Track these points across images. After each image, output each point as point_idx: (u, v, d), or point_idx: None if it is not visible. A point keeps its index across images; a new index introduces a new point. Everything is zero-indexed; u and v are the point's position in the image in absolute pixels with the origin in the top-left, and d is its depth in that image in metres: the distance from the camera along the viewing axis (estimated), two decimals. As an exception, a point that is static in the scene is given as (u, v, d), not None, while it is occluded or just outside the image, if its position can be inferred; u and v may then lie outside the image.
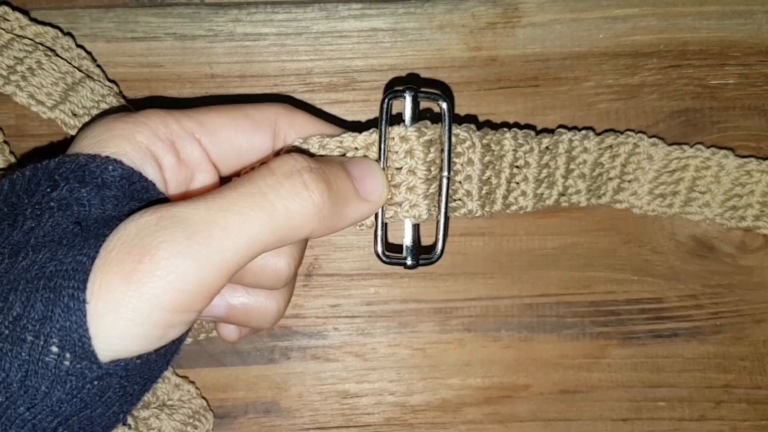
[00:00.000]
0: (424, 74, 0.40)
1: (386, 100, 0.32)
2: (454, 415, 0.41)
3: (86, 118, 0.36)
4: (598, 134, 0.38)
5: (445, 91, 0.40)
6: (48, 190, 0.27)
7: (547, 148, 0.36)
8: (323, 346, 0.41)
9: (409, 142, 0.32)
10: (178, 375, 0.39)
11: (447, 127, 0.32)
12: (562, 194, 0.38)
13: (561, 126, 0.39)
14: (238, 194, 0.27)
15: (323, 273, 0.41)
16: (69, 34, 0.38)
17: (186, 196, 0.30)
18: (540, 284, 0.40)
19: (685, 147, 0.38)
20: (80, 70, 0.37)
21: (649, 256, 0.40)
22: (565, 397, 0.41)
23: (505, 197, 0.36)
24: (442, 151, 0.33)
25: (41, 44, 0.37)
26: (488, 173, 0.35)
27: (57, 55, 0.37)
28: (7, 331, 0.24)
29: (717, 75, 0.40)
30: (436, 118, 0.33)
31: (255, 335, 0.40)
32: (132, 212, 0.27)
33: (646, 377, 0.40)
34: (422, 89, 0.33)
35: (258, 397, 0.40)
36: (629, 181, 0.38)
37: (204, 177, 0.32)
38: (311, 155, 0.31)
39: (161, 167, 0.30)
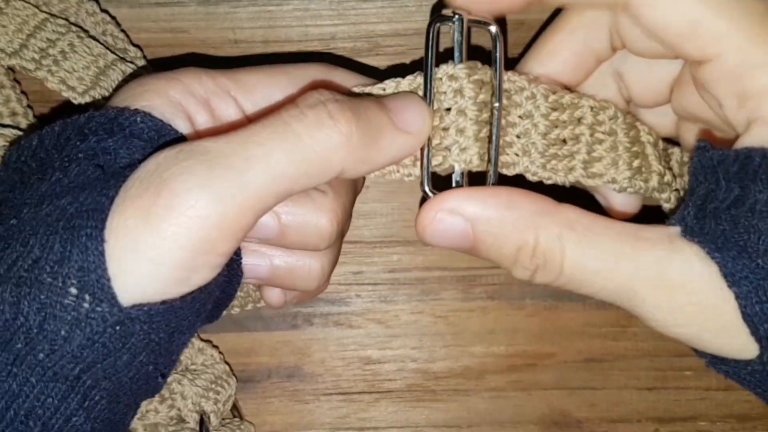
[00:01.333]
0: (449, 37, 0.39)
1: (432, 26, 0.30)
2: (476, 383, 0.41)
3: None
4: None
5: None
6: (77, 143, 0.27)
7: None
8: (346, 312, 0.41)
9: (459, 81, 0.30)
10: (201, 339, 0.39)
11: (498, 53, 0.30)
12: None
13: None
14: (261, 126, 0.26)
15: (346, 240, 0.40)
16: (93, -1, 0.38)
17: (211, 133, 0.30)
18: None
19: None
20: (112, 51, 0.36)
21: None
22: (591, 365, 0.40)
23: (586, 164, 0.31)
24: (493, 94, 0.30)
25: (74, 24, 0.36)
26: (560, 134, 0.31)
27: (90, 35, 0.36)
28: (25, 275, 0.24)
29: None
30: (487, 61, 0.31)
31: (299, 303, 0.40)
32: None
33: (672, 346, 0.40)
34: (471, 17, 0.30)
35: (281, 362, 0.41)
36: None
37: None
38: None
39: (194, 123, 0.29)
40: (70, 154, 0.27)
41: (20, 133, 0.35)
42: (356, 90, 0.31)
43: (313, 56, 0.39)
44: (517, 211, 0.28)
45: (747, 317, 0.26)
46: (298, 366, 0.41)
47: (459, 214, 0.28)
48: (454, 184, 0.31)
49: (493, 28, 0.30)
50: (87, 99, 0.35)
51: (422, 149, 0.30)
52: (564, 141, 0.31)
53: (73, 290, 0.24)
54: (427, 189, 0.30)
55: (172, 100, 0.29)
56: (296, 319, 0.41)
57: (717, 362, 0.28)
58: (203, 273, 0.26)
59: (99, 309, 0.24)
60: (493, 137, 0.30)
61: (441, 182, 0.30)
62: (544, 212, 0.28)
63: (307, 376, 0.41)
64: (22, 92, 0.38)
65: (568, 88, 0.32)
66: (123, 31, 0.38)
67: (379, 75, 0.38)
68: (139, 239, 0.24)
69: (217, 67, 0.31)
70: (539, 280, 0.29)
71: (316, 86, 0.30)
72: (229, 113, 0.30)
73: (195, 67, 0.30)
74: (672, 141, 0.34)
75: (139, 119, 0.28)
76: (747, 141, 0.27)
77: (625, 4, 0.28)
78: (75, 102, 0.35)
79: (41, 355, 0.24)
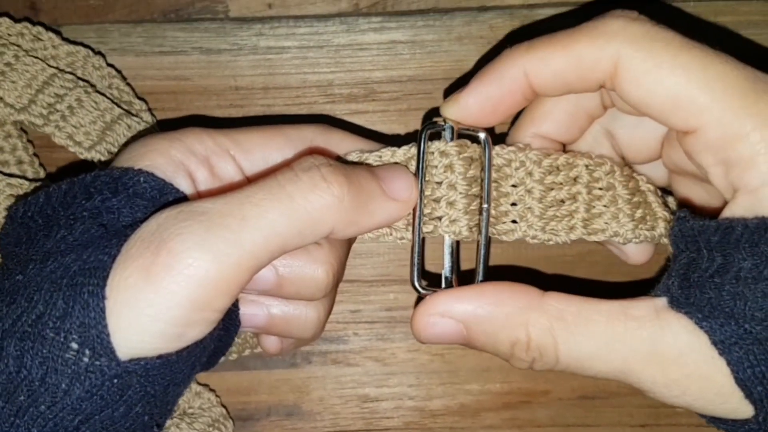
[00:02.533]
0: (442, 86, 0.41)
1: (425, 132, 0.31)
2: (473, 420, 0.41)
3: None
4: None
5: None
6: (83, 201, 0.28)
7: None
8: (344, 350, 0.41)
9: (449, 157, 0.31)
10: (198, 383, 0.40)
11: (487, 158, 0.31)
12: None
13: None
14: (257, 187, 0.27)
15: (343, 279, 0.41)
16: (99, 52, 0.40)
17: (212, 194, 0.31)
18: (559, 291, 0.41)
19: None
20: (118, 105, 0.38)
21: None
22: (584, 402, 0.41)
23: (586, 222, 0.32)
24: (482, 170, 0.32)
25: (82, 78, 0.38)
26: (556, 195, 0.32)
27: (97, 90, 0.37)
28: (29, 329, 0.25)
29: None
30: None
31: (297, 348, 0.40)
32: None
33: (664, 384, 0.41)
34: (461, 126, 0.32)
35: (280, 400, 0.41)
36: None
37: None
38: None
39: (195, 181, 0.31)
40: (75, 212, 0.28)
41: (26, 182, 0.36)
42: (353, 156, 0.32)
43: (312, 117, 0.41)
44: (505, 308, 0.29)
45: (740, 382, 0.27)
46: (296, 404, 0.41)
47: (450, 317, 0.30)
48: (443, 281, 0.32)
49: (482, 135, 0.32)
50: (93, 154, 0.36)
51: (412, 245, 0.32)
52: (562, 201, 0.32)
53: (74, 345, 0.25)
54: (417, 285, 0.31)
55: (173, 159, 0.30)
56: (295, 357, 0.41)
57: (716, 422, 0.29)
58: (199, 328, 0.27)
59: (98, 363, 0.25)
60: (482, 237, 0.31)
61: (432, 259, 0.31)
62: (532, 306, 0.29)
63: (305, 414, 0.41)
64: (29, 141, 0.39)
65: (564, 148, 0.33)
66: (128, 83, 0.39)
67: (373, 136, 0.39)
68: (138, 296, 0.25)
69: (220, 125, 0.32)
70: (538, 368, 0.30)
71: (312, 151, 0.32)
72: (228, 171, 0.31)
73: (196, 127, 0.32)
74: (665, 191, 0.35)
75: (142, 179, 0.29)
76: (732, 209, 0.28)
77: (611, 84, 0.29)
78: (81, 156, 0.36)
79: (43, 407, 0.25)
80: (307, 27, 0.40)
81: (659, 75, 0.28)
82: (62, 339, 0.25)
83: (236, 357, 0.39)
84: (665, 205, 0.33)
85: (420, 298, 0.31)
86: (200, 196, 0.30)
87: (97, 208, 0.28)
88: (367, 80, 0.41)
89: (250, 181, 0.32)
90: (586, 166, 0.32)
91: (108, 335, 0.25)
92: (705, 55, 0.27)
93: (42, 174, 0.39)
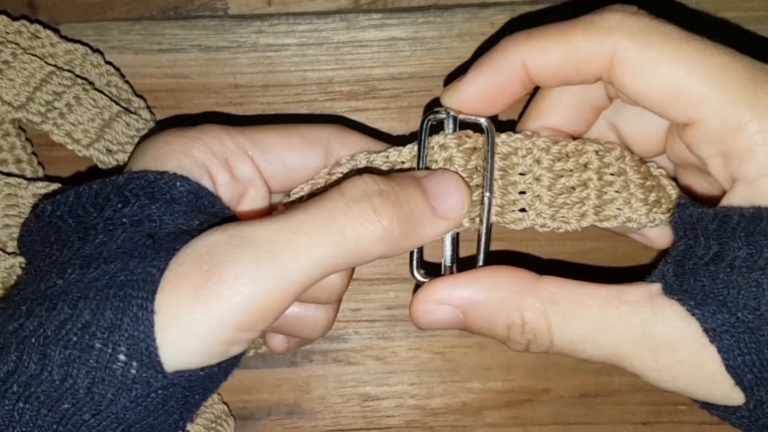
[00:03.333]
0: (443, 83, 0.40)
1: (426, 121, 0.31)
2: (474, 419, 0.41)
3: (121, 155, 0.37)
4: None
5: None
6: (119, 206, 0.28)
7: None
8: (344, 349, 0.41)
9: (448, 150, 0.31)
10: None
11: (489, 145, 0.31)
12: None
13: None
14: (307, 216, 0.27)
15: (345, 278, 0.41)
16: (98, 50, 0.39)
17: (251, 213, 0.31)
18: (576, 267, 0.41)
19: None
20: (116, 102, 0.37)
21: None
22: (585, 400, 0.41)
23: (598, 209, 0.32)
24: (484, 159, 0.32)
25: (80, 76, 0.37)
26: (566, 182, 0.32)
27: (95, 87, 0.37)
28: (75, 338, 0.25)
29: None
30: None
31: (302, 347, 0.40)
32: (201, 225, 0.28)
33: (665, 381, 0.41)
34: (462, 115, 0.32)
35: (281, 399, 0.41)
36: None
37: (255, 193, 0.32)
38: (382, 173, 0.31)
39: (215, 182, 0.31)
40: (113, 218, 0.28)
41: (24, 181, 0.36)
42: (361, 156, 0.32)
43: (326, 117, 0.40)
44: (500, 292, 0.29)
45: (730, 369, 0.27)
46: (297, 403, 0.41)
47: (447, 303, 0.30)
48: (442, 269, 0.32)
49: (484, 122, 0.31)
50: (91, 152, 0.36)
51: None
52: (572, 188, 0.32)
53: (122, 357, 0.25)
54: (416, 274, 0.32)
55: (197, 160, 0.30)
56: (296, 356, 0.41)
57: (708, 407, 0.29)
58: (241, 346, 0.27)
59: (145, 375, 0.26)
60: (483, 226, 0.31)
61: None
62: (526, 290, 0.29)
63: (306, 413, 0.41)
64: (27, 139, 0.39)
65: (573, 138, 0.33)
66: (127, 81, 0.39)
67: (384, 137, 0.39)
68: (186, 316, 0.26)
69: (220, 122, 0.32)
70: (534, 351, 0.30)
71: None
72: (247, 172, 0.32)
73: (214, 125, 0.32)
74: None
75: (178, 183, 0.29)
76: (730, 199, 0.28)
77: (609, 78, 0.29)
78: (80, 154, 0.36)
79: (87, 416, 0.25)
80: (306, 24, 0.40)
81: (657, 67, 0.28)
82: (110, 350, 0.25)
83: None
84: (678, 190, 0.33)
85: (419, 287, 0.31)
86: (220, 199, 0.31)
87: (137, 215, 0.28)
88: (367, 77, 0.40)
89: (272, 191, 0.32)
90: (596, 151, 0.32)
91: (156, 349, 0.25)
92: (704, 47, 0.27)
93: (41, 173, 0.39)
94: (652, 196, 0.32)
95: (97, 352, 0.25)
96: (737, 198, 0.28)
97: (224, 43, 0.40)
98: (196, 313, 0.25)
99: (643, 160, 0.33)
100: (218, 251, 0.26)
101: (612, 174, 0.32)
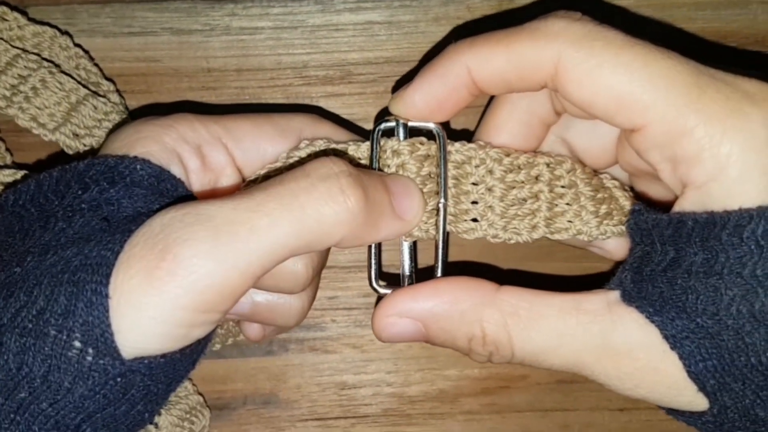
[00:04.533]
0: (419, 67, 0.40)
1: (377, 129, 0.31)
2: (451, 406, 0.41)
3: (88, 139, 0.36)
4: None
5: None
6: (79, 192, 0.28)
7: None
8: (321, 338, 0.41)
9: (401, 156, 0.31)
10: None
11: (441, 151, 0.31)
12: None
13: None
14: (268, 195, 0.27)
15: (321, 265, 0.41)
16: (66, 33, 0.38)
17: (213, 194, 0.31)
18: (536, 276, 0.41)
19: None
20: (84, 86, 0.37)
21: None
22: (563, 387, 0.41)
23: (549, 221, 0.32)
24: (437, 166, 0.31)
25: (45, 60, 0.36)
26: (518, 194, 0.32)
27: (62, 70, 0.36)
28: (30, 325, 0.25)
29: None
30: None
31: (278, 335, 0.40)
32: (161, 209, 0.27)
33: (642, 367, 0.41)
34: (412, 122, 0.32)
35: (256, 388, 0.41)
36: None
37: (228, 181, 0.32)
38: (352, 162, 0.30)
39: (186, 170, 0.30)
40: (72, 204, 0.27)
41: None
42: (321, 144, 0.32)
43: (302, 107, 0.40)
44: (460, 305, 0.29)
45: (692, 375, 0.27)
46: (273, 392, 0.41)
47: (409, 316, 0.30)
48: (401, 279, 0.32)
49: (434, 128, 0.32)
50: (58, 136, 0.35)
51: (368, 247, 0.32)
52: (524, 200, 0.32)
53: (77, 344, 0.25)
54: (375, 285, 0.32)
55: (167, 146, 0.29)
56: (272, 345, 0.41)
57: (674, 413, 0.29)
58: (203, 328, 0.27)
59: (102, 362, 0.25)
60: (440, 233, 0.31)
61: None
62: (486, 302, 0.29)
63: (282, 403, 0.41)
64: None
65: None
66: (96, 64, 0.38)
67: (362, 131, 0.38)
68: (142, 299, 0.25)
69: (194, 110, 0.32)
70: (496, 361, 0.30)
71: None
72: (220, 160, 0.31)
73: (188, 114, 0.31)
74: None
75: (138, 167, 0.28)
76: (682, 204, 0.28)
77: (553, 85, 0.29)
78: (45, 139, 0.35)
79: (44, 405, 0.25)
80: (281, 7, 0.39)
81: (601, 74, 0.27)
82: (65, 337, 0.25)
83: (219, 347, 0.38)
84: (633, 198, 0.33)
85: (380, 299, 0.31)
86: (191, 186, 0.30)
87: (96, 199, 0.27)
88: (342, 62, 0.40)
89: (245, 180, 0.32)
90: (547, 164, 0.32)
91: (112, 335, 0.25)
92: (647, 52, 0.27)
93: (8, 160, 0.38)
94: (603, 209, 0.32)
95: (52, 339, 0.24)
96: (689, 203, 0.28)
97: (197, 26, 0.39)
98: (151, 295, 0.25)
99: (595, 173, 0.33)
100: (173, 230, 0.25)
101: (563, 186, 0.32)
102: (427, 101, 0.31)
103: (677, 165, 0.28)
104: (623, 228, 0.32)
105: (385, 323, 0.30)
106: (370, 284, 0.32)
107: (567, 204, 0.32)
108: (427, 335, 0.30)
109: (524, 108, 0.32)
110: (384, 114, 0.32)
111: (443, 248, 0.32)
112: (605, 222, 0.32)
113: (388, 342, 0.31)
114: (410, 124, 0.32)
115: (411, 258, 0.32)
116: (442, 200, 0.31)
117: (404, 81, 0.40)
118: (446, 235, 0.32)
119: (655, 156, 0.28)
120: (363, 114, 0.40)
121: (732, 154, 0.26)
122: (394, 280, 0.33)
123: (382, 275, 0.32)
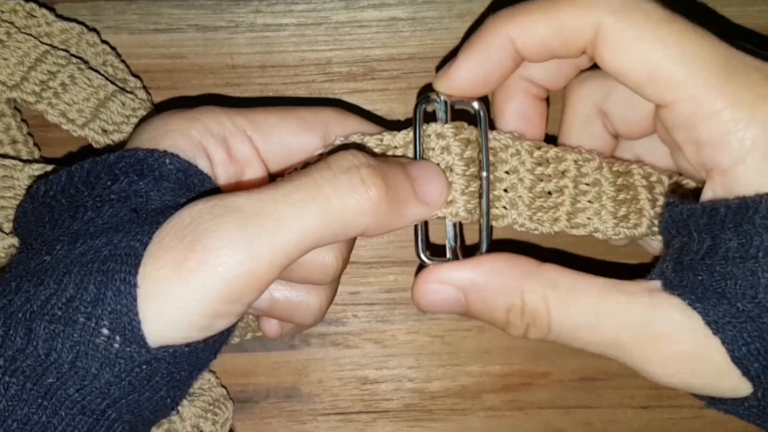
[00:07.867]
0: (443, 64, 0.40)
1: (419, 107, 0.32)
2: (473, 402, 0.41)
3: (116, 135, 0.37)
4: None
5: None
6: (108, 183, 0.28)
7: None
8: (343, 332, 0.41)
9: (446, 139, 0.31)
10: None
11: (482, 127, 0.31)
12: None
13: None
14: (293, 186, 0.27)
15: (343, 261, 0.41)
16: (94, 29, 0.39)
17: (239, 187, 0.31)
18: (578, 259, 0.40)
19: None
20: (112, 82, 0.37)
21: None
22: (585, 384, 0.41)
23: (570, 216, 0.32)
24: (479, 151, 0.32)
25: (75, 55, 0.37)
26: (545, 187, 0.32)
27: (90, 67, 0.37)
28: (60, 312, 0.25)
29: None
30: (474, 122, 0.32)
31: (296, 333, 0.40)
32: (188, 202, 0.27)
33: (665, 365, 0.40)
34: (454, 99, 0.32)
35: (279, 382, 0.41)
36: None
37: (253, 173, 0.32)
38: (372, 154, 0.31)
39: (212, 162, 0.30)
40: (102, 194, 0.28)
41: (20, 163, 0.35)
42: (355, 138, 0.32)
43: (326, 101, 0.40)
44: (502, 275, 0.30)
45: (736, 360, 0.27)
46: (295, 386, 0.41)
47: (450, 284, 0.30)
48: (448, 250, 0.32)
49: (476, 104, 0.32)
50: (87, 132, 0.35)
51: (415, 225, 0.31)
52: (549, 193, 0.32)
53: (105, 331, 0.25)
54: (422, 256, 0.32)
55: (193, 139, 0.30)
56: (294, 339, 0.41)
57: (715, 402, 0.29)
58: (227, 320, 0.27)
59: (128, 350, 0.25)
60: (483, 205, 0.31)
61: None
62: (528, 274, 0.29)
63: (304, 397, 0.41)
64: (23, 120, 0.38)
65: (554, 140, 0.33)
66: (123, 61, 0.39)
67: (387, 123, 0.38)
68: (170, 289, 0.25)
69: (218, 104, 0.32)
70: (532, 336, 0.30)
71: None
72: (245, 153, 0.31)
73: (214, 107, 0.31)
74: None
75: (167, 161, 0.29)
76: (710, 189, 0.28)
77: (591, 51, 0.29)
78: (75, 134, 0.36)
79: (71, 390, 0.25)
80: (305, 4, 0.39)
81: (637, 47, 0.28)
82: (93, 324, 0.25)
83: (238, 340, 0.38)
84: (655, 204, 0.33)
85: (421, 268, 0.31)
86: (217, 178, 0.30)
87: (125, 191, 0.28)
88: (366, 58, 0.40)
89: (270, 172, 0.32)
90: (575, 161, 0.32)
91: (139, 323, 0.25)
92: (684, 30, 0.27)
93: (36, 154, 0.39)
94: (622, 210, 0.32)
95: (81, 326, 0.25)
96: (717, 187, 0.28)
97: (221, 22, 0.39)
98: (178, 285, 0.25)
99: (623, 172, 0.33)
100: (202, 221, 0.26)
101: (587, 184, 0.32)
102: (472, 76, 0.31)
103: (701, 147, 0.28)
104: (635, 232, 0.32)
105: (425, 290, 0.30)
106: (417, 254, 0.32)
107: (589, 201, 0.32)
108: (466, 305, 0.30)
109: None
110: (425, 91, 0.32)
111: (487, 225, 0.32)
112: (621, 224, 0.32)
113: (427, 311, 0.31)
114: (451, 102, 0.32)
115: (455, 235, 0.32)
116: (485, 173, 0.31)
117: (428, 78, 0.40)
118: (489, 211, 0.32)
119: (681, 135, 0.28)
120: (386, 110, 0.40)
121: (758, 139, 0.26)
122: (439, 254, 0.32)
123: (428, 246, 0.32)
